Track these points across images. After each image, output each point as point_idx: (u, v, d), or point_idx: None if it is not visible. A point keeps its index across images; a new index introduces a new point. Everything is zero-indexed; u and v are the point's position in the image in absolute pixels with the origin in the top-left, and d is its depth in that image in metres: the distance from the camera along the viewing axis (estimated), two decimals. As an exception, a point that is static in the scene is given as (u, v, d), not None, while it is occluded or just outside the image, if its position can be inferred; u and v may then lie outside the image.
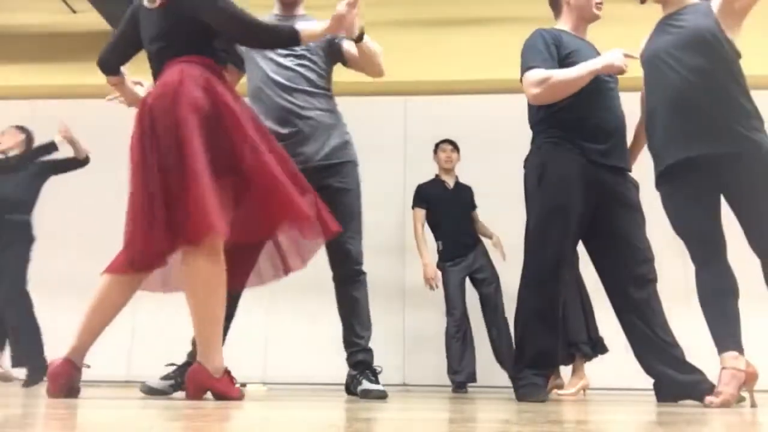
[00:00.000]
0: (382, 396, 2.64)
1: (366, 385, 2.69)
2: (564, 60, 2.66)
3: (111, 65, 2.54)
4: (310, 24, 2.49)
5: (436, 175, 4.85)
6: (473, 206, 4.80)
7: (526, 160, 2.77)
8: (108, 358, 4.72)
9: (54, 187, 5.26)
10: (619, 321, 2.66)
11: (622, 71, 2.55)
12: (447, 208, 4.69)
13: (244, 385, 4.47)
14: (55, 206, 5.14)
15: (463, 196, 4.78)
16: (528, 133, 2.83)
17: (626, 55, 2.55)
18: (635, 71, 2.68)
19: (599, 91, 2.65)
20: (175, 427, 1.13)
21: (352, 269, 2.84)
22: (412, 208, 4.77)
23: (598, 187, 2.61)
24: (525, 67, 2.66)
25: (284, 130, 2.73)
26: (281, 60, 2.81)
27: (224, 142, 2.18)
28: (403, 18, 5.77)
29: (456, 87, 5.65)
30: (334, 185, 2.79)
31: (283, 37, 2.40)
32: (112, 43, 2.52)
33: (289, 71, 2.80)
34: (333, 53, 2.89)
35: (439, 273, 4.60)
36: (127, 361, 5.06)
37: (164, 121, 2.13)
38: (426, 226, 4.75)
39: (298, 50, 2.80)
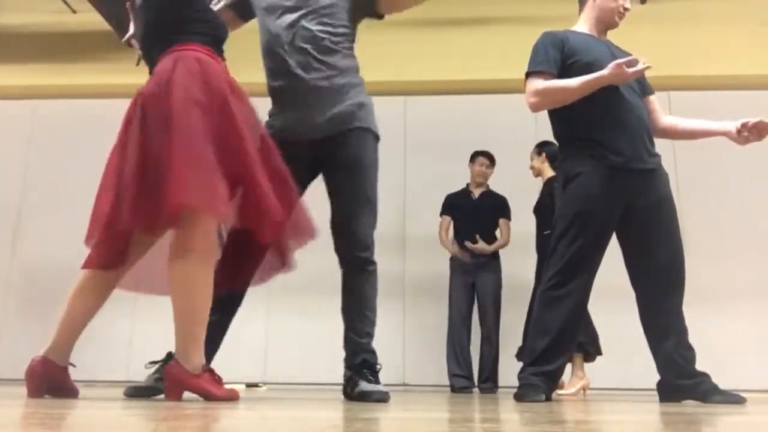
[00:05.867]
0: (382, 398, 2.34)
1: (363, 386, 2.41)
2: (569, 60, 2.66)
3: None
4: None
5: (467, 185, 4.93)
6: (500, 215, 4.79)
7: (557, 173, 2.86)
8: (107, 360, 4.74)
9: (52, 187, 5.26)
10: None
11: (627, 80, 2.55)
12: (468, 217, 4.79)
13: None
14: (54, 206, 5.14)
15: (488, 205, 4.81)
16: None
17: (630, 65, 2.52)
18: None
19: (617, 97, 2.63)
20: (165, 427, 1.13)
21: (355, 255, 2.53)
22: (440, 215, 4.92)
23: (622, 193, 2.62)
24: (526, 73, 2.70)
25: None
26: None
27: (222, 139, 2.08)
28: (403, 18, 5.75)
29: (456, 87, 5.65)
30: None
31: None
32: None
33: None
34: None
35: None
36: (127, 363, 5.05)
37: (157, 109, 2.05)
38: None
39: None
